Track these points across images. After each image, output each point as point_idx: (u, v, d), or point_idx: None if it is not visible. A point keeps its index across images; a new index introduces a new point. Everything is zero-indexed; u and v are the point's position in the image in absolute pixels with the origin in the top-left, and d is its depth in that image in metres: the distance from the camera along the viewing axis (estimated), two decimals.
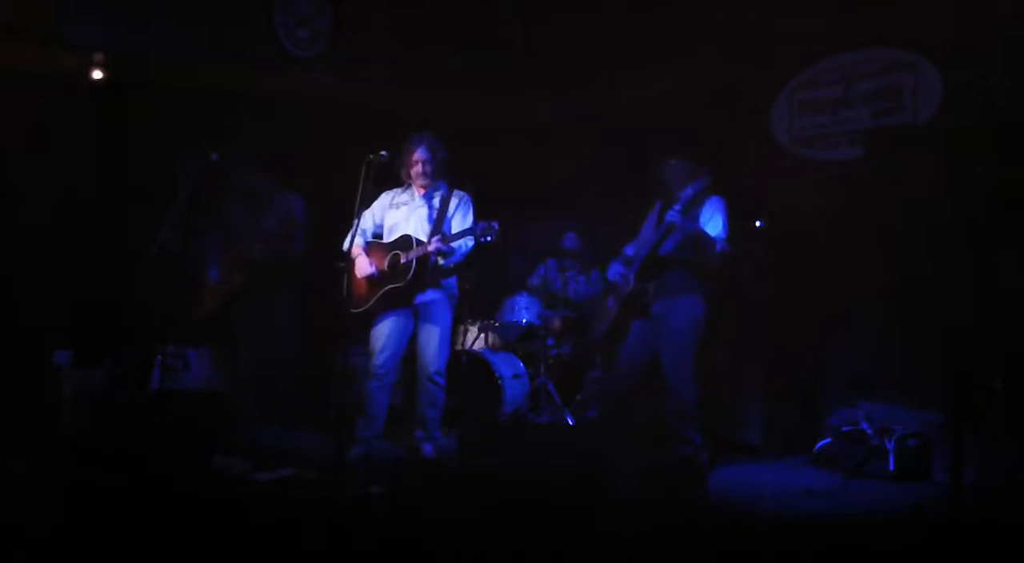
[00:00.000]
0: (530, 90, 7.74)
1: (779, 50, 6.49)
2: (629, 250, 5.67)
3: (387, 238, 5.72)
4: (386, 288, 5.54)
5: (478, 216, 5.72)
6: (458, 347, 6.99)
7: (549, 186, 8.11)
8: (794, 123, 6.41)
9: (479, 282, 6.80)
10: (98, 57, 6.47)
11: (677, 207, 5.13)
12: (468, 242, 5.50)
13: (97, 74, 6.65)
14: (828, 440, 5.75)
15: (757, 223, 6.04)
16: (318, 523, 4.32)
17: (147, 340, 6.48)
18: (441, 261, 5.53)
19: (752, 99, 6.69)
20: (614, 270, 5.53)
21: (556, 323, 6.78)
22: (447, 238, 5.41)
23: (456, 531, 4.21)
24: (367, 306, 5.59)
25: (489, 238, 5.23)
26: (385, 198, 5.82)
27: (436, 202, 5.69)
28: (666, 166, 5.45)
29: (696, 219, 5.21)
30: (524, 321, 6.67)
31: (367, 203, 5.65)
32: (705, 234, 5.18)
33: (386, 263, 5.57)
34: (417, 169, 5.64)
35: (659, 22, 7.26)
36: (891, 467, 5.38)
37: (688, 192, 5.23)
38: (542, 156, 8.18)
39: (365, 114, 7.31)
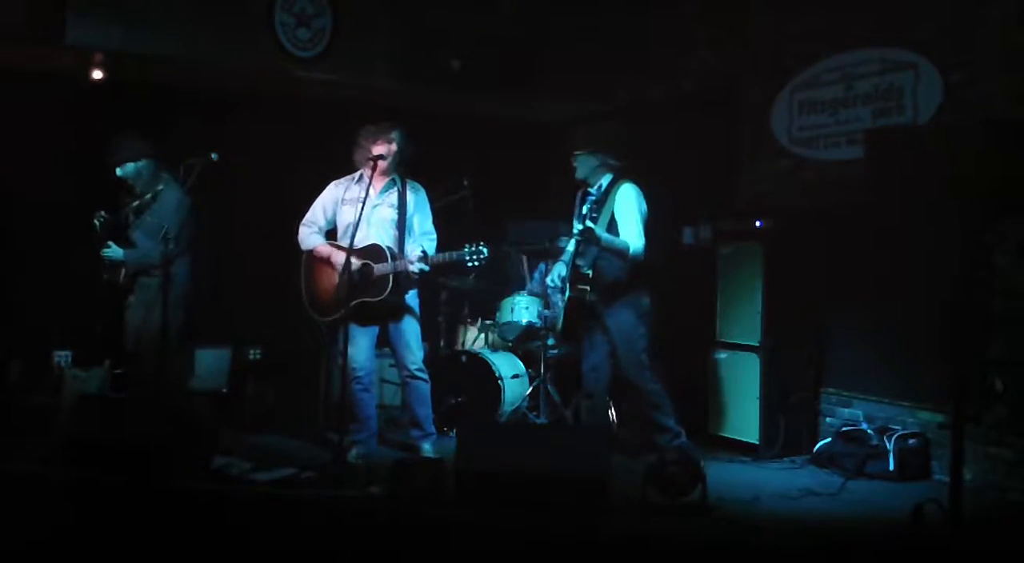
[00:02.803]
0: (530, 90, 7.73)
1: (779, 50, 6.49)
2: (569, 246, 5.81)
3: (347, 239, 5.42)
4: (359, 300, 5.34)
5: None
6: (458, 347, 6.98)
7: (549, 186, 8.11)
8: (794, 123, 6.41)
9: (478, 282, 6.81)
10: (98, 57, 6.46)
11: (577, 225, 5.30)
12: (433, 245, 5.48)
13: (97, 74, 6.65)
14: (828, 440, 5.76)
15: (757, 223, 6.04)
16: (318, 523, 4.32)
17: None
18: (415, 273, 5.40)
19: (752, 99, 6.69)
20: (556, 274, 5.71)
21: (556, 323, 6.77)
22: (430, 260, 5.32)
23: (456, 531, 4.21)
24: (336, 317, 5.37)
25: (477, 262, 5.22)
26: (336, 190, 5.63)
27: (394, 199, 5.53)
28: (576, 159, 5.53)
29: (607, 219, 5.37)
30: (524, 321, 6.66)
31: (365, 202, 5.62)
32: (613, 245, 5.36)
33: (358, 273, 5.34)
34: (391, 148, 5.44)
35: (659, 22, 7.26)
36: (891, 467, 5.38)
37: (596, 192, 5.43)
38: (542, 156, 8.18)
39: (365, 114, 7.31)
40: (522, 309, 6.69)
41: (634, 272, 5.48)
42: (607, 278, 5.48)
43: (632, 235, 5.39)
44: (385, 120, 5.60)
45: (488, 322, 6.97)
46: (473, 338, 7.04)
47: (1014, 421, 5.06)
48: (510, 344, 6.85)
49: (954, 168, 4.16)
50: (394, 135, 5.50)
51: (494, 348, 6.83)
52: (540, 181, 8.15)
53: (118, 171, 5.82)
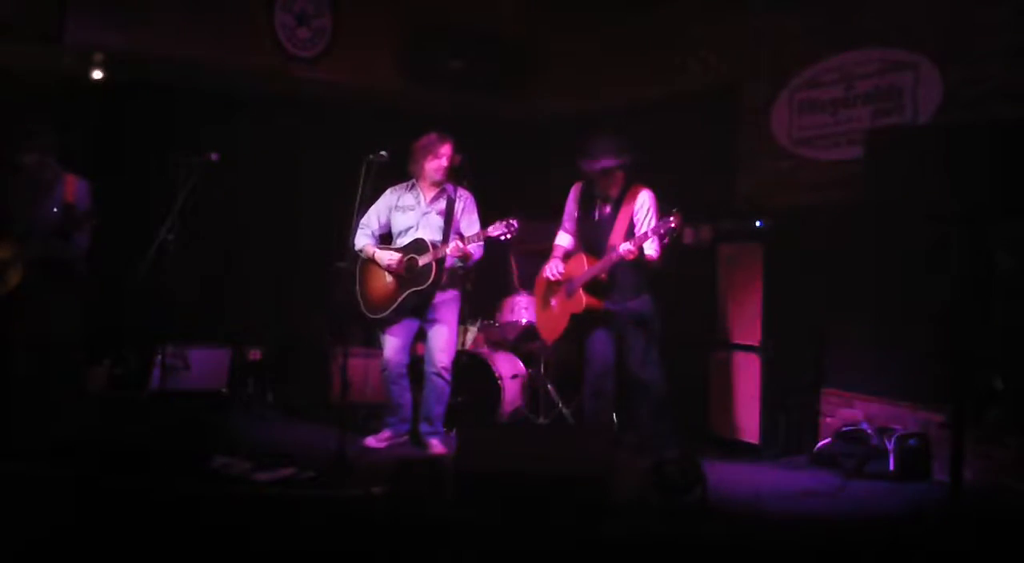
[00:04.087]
0: (530, 90, 7.73)
1: (779, 50, 6.48)
2: (561, 241, 5.89)
3: (396, 242, 5.84)
4: (408, 291, 5.67)
5: (483, 215, 5.85)
6: (458, 347, 6.98)
7: (549, 186, 8.10)
8: (794, 123, 6.41)
9: (479, 282, 6.81)
10: (98, 57, 6.47)
11: (627, 245, 5.28)
12: (481, 247, 5.73)
13: (97, 74, 6.65)
14: (828, 440, 5.76)
15: (757, 223, 6.04)
16: (318, 523, 4.32)
17: (147, 340, 6.50)
18: (458, 264, 5.72)
19: (752, 99, 6.69)
20: (553, 268, 5.76)
21: None
22: (467, 239, 5.59)
23: (456, 531, 4.21)
24: (390, 310, 5.71)
25: (508, 235, 5.47)
26: (390, 197, 5.89)
27: (443, 205, 5.82)
28: (615, 173, 5.53)
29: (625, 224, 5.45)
30: (524, 321, 6.66)
31: (367, 203, 5.69)
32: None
33: (403, 266, 5.68)
34: (442, 163, 5.75)
35: (659, 22, 7.25)
36: (891, 467, 5.38)
37: (617, 199, 5.51)
38: (542, 156, 8.18)
39: (365, 114, 7.32)
40: (522, 309, 6.69)
41: (647, 275, 5.56)
42: (621, 281, 5.55)
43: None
44: (437, 133, 5.80)
45: (488, 322, 6.97)
46: (473, 338, 7.04)
47: (1014, 421, 5.06)
48: (510, 344, 6.85)
49: (954, 168, 4.16)
50: (445, 148, 5.79)
51: (494, 348, 6.83)
52: (540, 181, 8.15)
53: (26, 158, 5.59)
